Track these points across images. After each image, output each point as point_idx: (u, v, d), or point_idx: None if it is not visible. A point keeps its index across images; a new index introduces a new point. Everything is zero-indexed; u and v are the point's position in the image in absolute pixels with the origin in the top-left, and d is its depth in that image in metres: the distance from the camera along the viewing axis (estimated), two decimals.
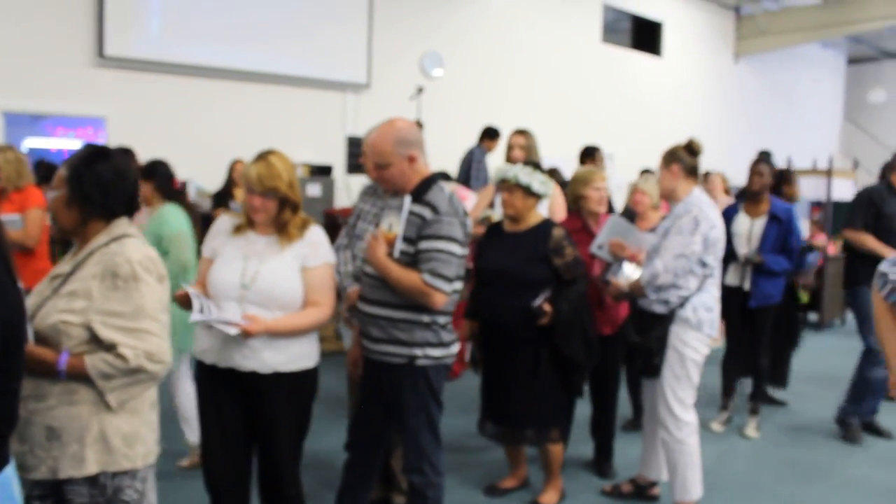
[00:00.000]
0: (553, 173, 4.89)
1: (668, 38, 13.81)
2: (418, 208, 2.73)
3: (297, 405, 2.67)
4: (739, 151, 12.56)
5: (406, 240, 2.72)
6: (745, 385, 5.23)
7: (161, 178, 3.92)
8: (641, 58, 13.43)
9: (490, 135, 8.26)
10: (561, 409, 3.62)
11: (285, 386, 2.60)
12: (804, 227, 7.54)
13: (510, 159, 4.33)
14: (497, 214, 4.09)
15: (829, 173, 9.96)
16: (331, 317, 2.70)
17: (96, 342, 1.94)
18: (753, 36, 15.10)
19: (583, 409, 4.10)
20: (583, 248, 3.77)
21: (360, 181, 8.10)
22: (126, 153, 4.41)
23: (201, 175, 7.81)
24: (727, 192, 6.80)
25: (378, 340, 2.79)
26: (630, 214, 4.62)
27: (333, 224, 6.89)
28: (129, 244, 2.02)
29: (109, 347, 1.93)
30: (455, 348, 2.87)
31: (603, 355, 3.70)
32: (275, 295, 2.55)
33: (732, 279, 4.74)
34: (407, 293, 2.69)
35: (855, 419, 4.90)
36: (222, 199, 6.39)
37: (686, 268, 3.37)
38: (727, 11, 15.03)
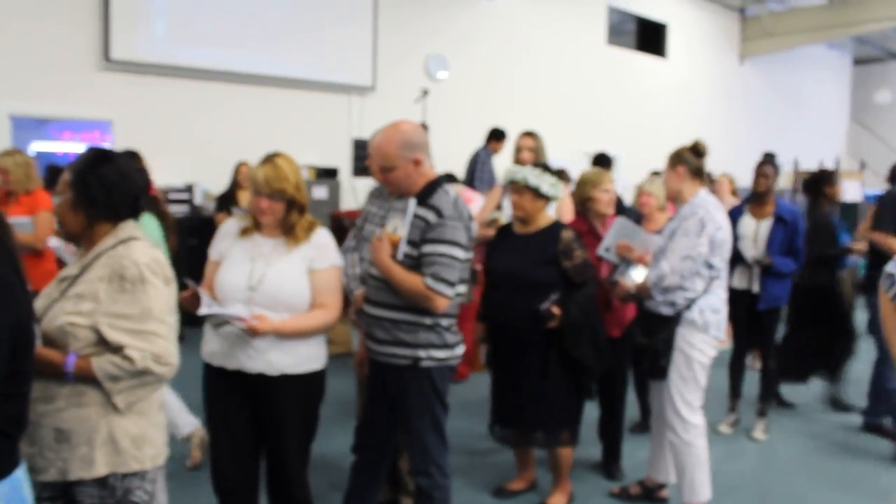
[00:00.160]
0: (561, 175, 4.88)
1: (673, 40, 13.79)
2: (422, 211, 2.72)
3: (305, 407, 2.68)
4: (745, 153, 12.50)
5: (410, 243, 2.71)
6: (753, 386, 5.21)
7: None
8: (646, 59, 13.43)
9: (496, 136, 8.23)
10: (571, 411, 3.60)
11: (293, 388, 2.60)
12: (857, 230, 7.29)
13: (519, 161, 4.33)
14: (505, 216, 4.09)
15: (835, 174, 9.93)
16: (338, 319, 2.71)
17: (103, 344, 1.95)
18: (759, 37, 15.07)
19: (591, 412, 4.09)
20: (590, 250, 3.76)
21: (366, 184, 8.11)
22: (132, 156, 4.43)
23: (207, 178, 7.83)
24: (734, 193, 6.77)
25: (382, 342, 2.79)
26: (634, 215, 4.61)
27: (339, 227, 6.90)
28: (136, 247, 2.03)
29: (116, 349, 1.94)
30: (460, 350, 2.86)
31: (611, 357, 3.68)
32: (282, 297, 2.56)
33: (739, 282, 4.72)
34: (409, 296, 2.69)
35: (887, 420, 4.86)
36: (226, 201, 6.39)
37: (692, 269, 3.36)
38: (732, 12, 15.01)
